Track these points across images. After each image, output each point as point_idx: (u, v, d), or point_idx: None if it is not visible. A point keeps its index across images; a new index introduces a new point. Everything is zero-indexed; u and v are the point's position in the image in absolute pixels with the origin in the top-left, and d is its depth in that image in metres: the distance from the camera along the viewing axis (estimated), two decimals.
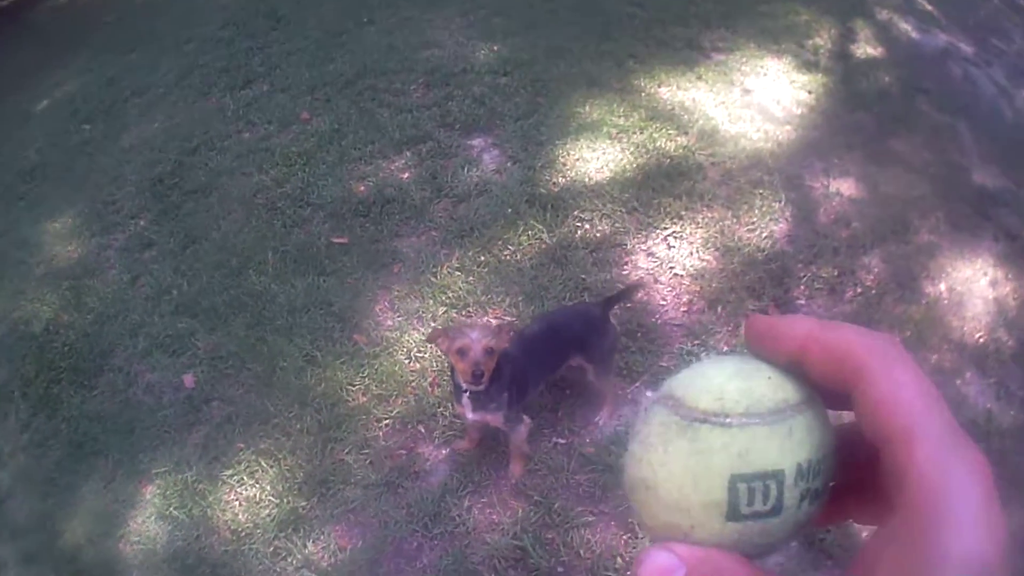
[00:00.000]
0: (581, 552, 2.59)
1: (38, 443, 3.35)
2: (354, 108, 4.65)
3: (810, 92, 4.76)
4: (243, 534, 2.91)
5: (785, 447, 0.33)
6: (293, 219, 3.92)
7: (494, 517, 2.74)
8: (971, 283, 3.61)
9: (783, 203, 3.84)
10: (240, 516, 2.98)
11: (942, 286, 3.56)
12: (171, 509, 3.03)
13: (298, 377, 3.26)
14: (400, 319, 3.38)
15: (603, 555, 2.58)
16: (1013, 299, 3.60)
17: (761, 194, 3.88)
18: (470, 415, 2.56)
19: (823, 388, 0.35)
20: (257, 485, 3.05)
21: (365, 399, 3.13)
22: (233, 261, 3.79)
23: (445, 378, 3.08)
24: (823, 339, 0.34)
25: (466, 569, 2.66)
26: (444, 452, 2.93)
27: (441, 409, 3.02)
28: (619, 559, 2.54)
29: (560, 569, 2.58)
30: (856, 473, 0.36)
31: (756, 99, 4.64)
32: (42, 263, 4.27)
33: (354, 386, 3.18)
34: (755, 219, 3.76)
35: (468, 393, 2.44)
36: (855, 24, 5.64)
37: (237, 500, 3.04)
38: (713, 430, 0.33)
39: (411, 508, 2.82)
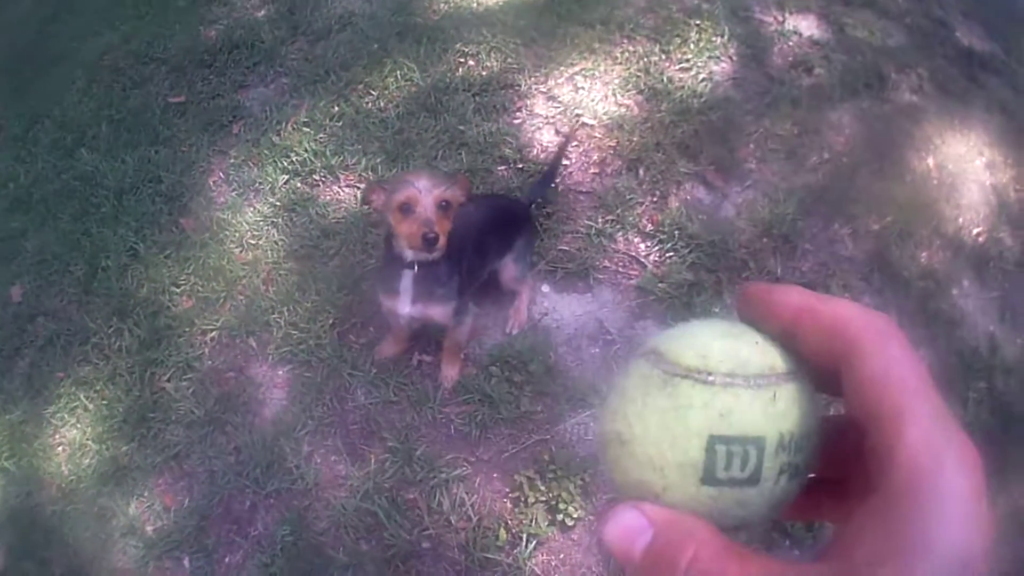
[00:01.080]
0: (453, 520, 1.60)
1: None
2: None
3: None
4: (67, 490, 2.13)
5: (768, 413, 0.28)
6: (134, 79, 2.81)
7: (340, 468, 1.76)
8: (965, 163, 2.61)
9: (726, 38, 2.78)
10: (64, 467, 2.17)
11: (930, 161, 2.58)
12: (3, 459, 2.24)
13: (119, 279, 2.29)
14: (234, 194, 2.32)
15: (483, 524, 1.58)
16: (1014, 191, 2.60)
17: (699, 26, 2.83)
18: (407, 309, 1.66)
19: (812, 365, 0.30)
20: (78, 426, 2.23)
21: (190, 304, 2.14)
22: (68, 139, 2.75)
23: (281, 272, 2.04)
24: (817, 310, 0.30)
25: (307, 542, 1.70)
26: (280, 373, 1.94)
27: (275, 316, 2.00)
28: (504, 531, 1.53)
29: (426, 544, 1.59)
30: (834, 469, 0.31)
31: None
32: None
33: (178, 287, 2.18)
34: (690, 56, 2.72)
35: (414, 270, 1.61)
36: None
37: (60, 445, 2.22)
38: (695, 386, 0.28)
39: (240, 454, 1.88)
